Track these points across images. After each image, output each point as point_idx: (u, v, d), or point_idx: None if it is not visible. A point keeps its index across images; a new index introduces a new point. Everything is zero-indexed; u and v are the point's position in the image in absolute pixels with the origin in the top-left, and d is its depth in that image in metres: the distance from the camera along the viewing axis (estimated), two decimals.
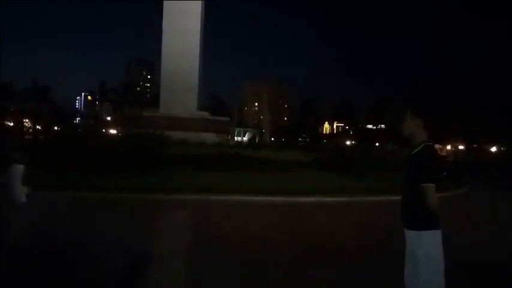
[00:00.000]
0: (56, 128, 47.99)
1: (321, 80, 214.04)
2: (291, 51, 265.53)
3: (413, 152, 3.22)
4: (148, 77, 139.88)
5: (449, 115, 67.49)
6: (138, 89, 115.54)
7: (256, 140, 45.15)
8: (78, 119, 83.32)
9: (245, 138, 61.62)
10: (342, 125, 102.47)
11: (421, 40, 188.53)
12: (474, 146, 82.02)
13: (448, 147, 76.84)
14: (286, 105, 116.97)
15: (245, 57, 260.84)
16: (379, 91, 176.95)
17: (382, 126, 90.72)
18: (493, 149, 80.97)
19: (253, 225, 8.51)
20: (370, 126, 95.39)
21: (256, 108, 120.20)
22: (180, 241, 7.51)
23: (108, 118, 72.72)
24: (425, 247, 3.01)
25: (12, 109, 67.97)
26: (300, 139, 74.24)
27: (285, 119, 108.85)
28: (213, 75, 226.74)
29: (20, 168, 5.80)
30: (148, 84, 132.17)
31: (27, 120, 68.28)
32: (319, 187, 12.93)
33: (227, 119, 39.24)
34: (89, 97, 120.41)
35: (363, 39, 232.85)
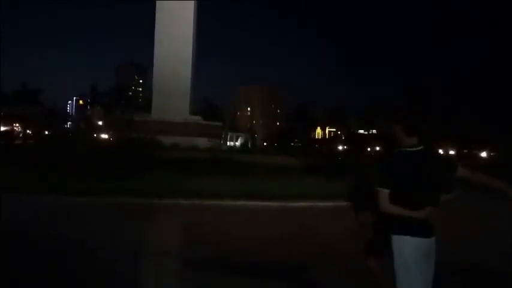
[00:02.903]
0: (46, 132, 47.59)
1: (320, 80, 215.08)
2: (289, 52, 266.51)
3: None
4: (141, 81, 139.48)
5: (445, 113, 67.81)
6: (130, 93, 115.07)
7: (249, 145, 45.20)
8: (69, 123, 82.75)
9: (237, 143, 61.62)
10: (334, 130, 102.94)
11: (420, 41, 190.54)
12: (465, 151, 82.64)
13: (440, 152, 77.25)
14: (278, 110, 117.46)
15: (240, 61, 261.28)
16: (378, 92, 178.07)
17: (374, 131, 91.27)
18: (483, 154, 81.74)
19: (246, 230, 8.46)
20: (361, 131, 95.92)
21: (249, 113, 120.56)
22: (172, 246, 7.46)
23: (100, 122, 72.43)
24: (395, 251, 3.02)
25: (2, 113, 67.23)
26: (292, 144, 74.35)
27: (278, 123, 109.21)
28: (207, 78, 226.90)
29: None
30: (140, 89, 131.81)
31: (17, 124, 67.60)
32: (312, 192, 12.90)
33: (219, 123, 39.23)
34: (81, 101, 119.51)
35: (362, 40, 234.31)
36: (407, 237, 2.98)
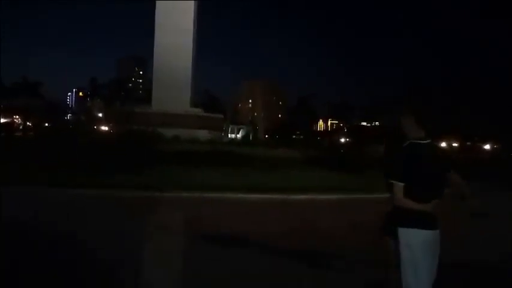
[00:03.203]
0: (46, 124, 47.55)
1: (320, 79, 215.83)
2: (290, 51, 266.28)
3: None
4: (141, 73, 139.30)
5: (445, 113, 68.16)
6: (130, 85, 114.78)
7: (250, 137, 45.12)
8: (69, 115, 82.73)
9: (239, 135, 61.53)
10: (337, 122, 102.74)
11: (420, 40, 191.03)
12: (468, 143, 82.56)
13: (443, 144, 77.31)
14: (280, 103, 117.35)
15: (243, 56, 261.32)
16: (378, 91, 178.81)
17: (377, 123, 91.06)
18: (487, 146, 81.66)
19: (247, 222, 8.41)
20: (364, 123, 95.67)
21: (250, 106, 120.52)
22: (174, 238, 7.43)
23: (100, 114, 72.41)
24: (402, 244, 3.04)
25: (2, 105, 67.14)
26: (294, 136, 74.25)
27: (279, 116, 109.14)
28: (210, 73, 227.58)
29: None
30: (140, 80, 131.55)
31: (17, 117, 67.62)
32: (314, 184, 12.83)
33: (221, 115, 39.17)
34: (81, 93, 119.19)
35: (362, 38, 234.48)
36: (416, 230, 3.00)
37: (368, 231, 7.85)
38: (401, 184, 3.00)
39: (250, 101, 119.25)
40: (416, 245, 2.97)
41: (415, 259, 2.96)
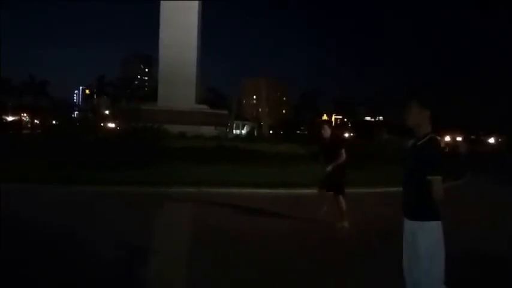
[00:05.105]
0: (54, 121, 47.88)
1: (322, 77, 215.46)
2: (293, 48, 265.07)
3: (418, 144, 3.14)
4: (146, 70, 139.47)
5: (449, 107, 67.77)
6: (136, 82, 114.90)
7: (255, 133, 45.12)
8: (76, 112, 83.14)
9: (244, 131, 61.57)
10: (341, 117, 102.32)
11: (421, 37, 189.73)
12: (472, 137, 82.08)
13: (447, 138, 76.94)
14: (284, 98, 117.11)
15: (246, 54, 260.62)
16: (379, 88, 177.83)
17: (380, 118, 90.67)
18: (491, 140, 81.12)
19: (253, 218, 8.51)
20: (368, 118, 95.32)
21: (255, 102, 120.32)
22: (180, 234, 7.55)
23: (107, 112, 72.77)
24: (428, 238, 2.98)
25: (10, 104, 67.68)
26: (298, 132, 74.13)
27: (284, 112, 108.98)
28: (214, 70, 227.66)
29: None
30: (146, 78, 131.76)
31: (25, 115, 68.07)
32: (318, 179, 12.90)
33: (225, 112, 39.23)
34: (87, 91, 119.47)
35: (363, 36, 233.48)
36: (440, 222, 3.06)
37: (372, 225, 8.04)
38: (440, 178, 2.99)
39: (254, 97, 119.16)
40: (442, 236, 3.03)
41: (438, 250, 2.99)
